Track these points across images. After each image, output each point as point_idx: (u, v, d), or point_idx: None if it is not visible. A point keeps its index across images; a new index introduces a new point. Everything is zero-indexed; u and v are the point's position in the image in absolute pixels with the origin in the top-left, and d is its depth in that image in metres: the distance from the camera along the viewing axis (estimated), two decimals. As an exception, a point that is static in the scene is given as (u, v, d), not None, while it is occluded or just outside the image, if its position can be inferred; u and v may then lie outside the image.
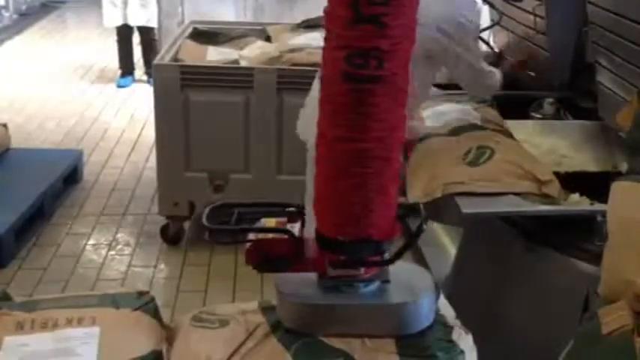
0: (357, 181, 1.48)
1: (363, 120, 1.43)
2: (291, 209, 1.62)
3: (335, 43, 1.40)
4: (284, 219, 1.60)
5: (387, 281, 1.57)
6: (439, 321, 1.61)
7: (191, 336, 1.63)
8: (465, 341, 1.59)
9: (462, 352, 1.55)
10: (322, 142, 1.51)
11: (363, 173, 1.48)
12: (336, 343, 1.54)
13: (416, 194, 2.36)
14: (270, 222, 1.60)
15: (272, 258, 1.55)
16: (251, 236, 1.60)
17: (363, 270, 1.55)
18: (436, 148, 2.57)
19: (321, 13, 1.48)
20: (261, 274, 1.76)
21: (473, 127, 2.67)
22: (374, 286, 1.56)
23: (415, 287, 1.59)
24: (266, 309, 1.67)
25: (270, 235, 1.58)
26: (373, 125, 1.44)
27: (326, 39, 1.44)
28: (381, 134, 1.45)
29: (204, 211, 1.59)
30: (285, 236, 1.57)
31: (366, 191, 1.49)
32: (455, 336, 1.59)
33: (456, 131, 2.64)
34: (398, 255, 1.56)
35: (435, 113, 2.82)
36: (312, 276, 1.57)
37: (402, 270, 1.61)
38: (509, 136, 2.59)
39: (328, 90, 1.45)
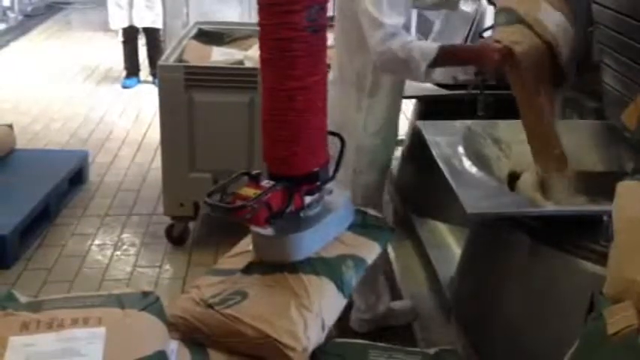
0: (322, 115, 1.87)
1: (316, 62, 1.80)
2: (254, 173, 1.91)
3: (296, 7, 1.73)
4: (251, 183, 1.88)
5: (331, 191, 2.01)
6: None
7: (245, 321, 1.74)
8: (378, 215, 2.14)
9: (384, 217, 2.16)
10: (283, 96, 1.81)
11: (322, 107, 1.86)
12: (330, 253, 1.91)
13: None
14: (247, 190, 1.83)
15: (275, 211, 1.82)
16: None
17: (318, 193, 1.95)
18: None
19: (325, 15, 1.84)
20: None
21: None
22: (318, 208, 1.97)
23: (338, 194, 2.03)
24: (248, 267, 1.90)
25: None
26: (323, 66, 1.84)
27: (274, 11, 1.75)
28: (325, 70, 1.87)
29: (211, 201, 1.81)
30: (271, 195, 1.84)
31: (323, 121, 1.88)
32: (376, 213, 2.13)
33: None
34: (337, 168, 2.02)
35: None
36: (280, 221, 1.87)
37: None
38: None
39: (290, 47, 1.76)
